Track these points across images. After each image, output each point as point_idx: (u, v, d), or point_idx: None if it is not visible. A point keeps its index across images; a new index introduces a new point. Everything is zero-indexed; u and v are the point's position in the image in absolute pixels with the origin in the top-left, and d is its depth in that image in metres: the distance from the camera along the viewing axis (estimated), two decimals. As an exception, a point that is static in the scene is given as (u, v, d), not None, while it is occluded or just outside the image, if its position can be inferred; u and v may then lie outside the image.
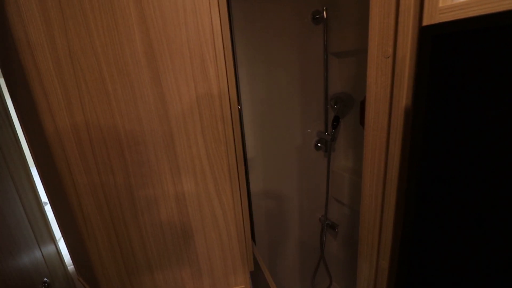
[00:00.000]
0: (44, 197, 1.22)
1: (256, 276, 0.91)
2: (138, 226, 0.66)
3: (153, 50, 0.56)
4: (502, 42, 0.28)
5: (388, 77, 0.39)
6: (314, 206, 1.34)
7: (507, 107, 0.29)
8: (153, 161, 0.63)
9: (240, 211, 0.72)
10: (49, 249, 0.83)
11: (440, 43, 0.34)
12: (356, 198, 1.22)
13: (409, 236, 0.40)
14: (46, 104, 0.55)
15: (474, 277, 0.35)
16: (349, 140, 1.26)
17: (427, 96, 0.35)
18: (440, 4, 0.33)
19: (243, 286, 0.80)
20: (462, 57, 0.32)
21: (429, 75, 0.35)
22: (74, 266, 0.84)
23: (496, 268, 0.33)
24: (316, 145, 1.23)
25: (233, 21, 0.95)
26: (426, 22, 0.35)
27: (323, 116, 1.22)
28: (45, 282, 0.76)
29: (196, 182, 0.67)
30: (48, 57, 0.52)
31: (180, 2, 0.54)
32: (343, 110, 1.20)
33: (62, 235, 0.75)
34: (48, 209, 1.14)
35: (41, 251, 0.78)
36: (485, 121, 0.31)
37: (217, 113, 0.92)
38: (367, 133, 0.43)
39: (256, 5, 0.98)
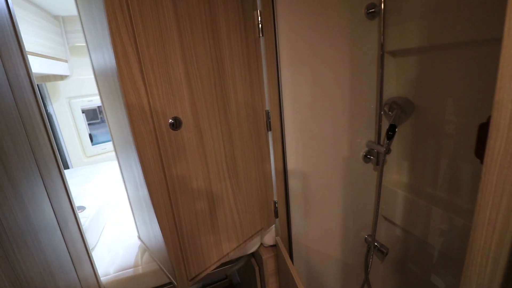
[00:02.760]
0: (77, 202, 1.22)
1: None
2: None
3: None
4: None
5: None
6: (360, 225, 1.19)
7: None
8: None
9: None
10: (84, 269, 0.80)
11: None
12: (410, 219, 1.06)
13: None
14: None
15: None
16: (405, 152, 1.10)
17: None
18: None
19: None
20: None
21: None
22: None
23: None
24: (365, 156, 1.09)
25: (277, 20, 0.85)
26: None
27: (376, 124, 1.07)
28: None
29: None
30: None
31: None
32: (400, 118, 1.04)
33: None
34: (82, 215, 1.13)
35: (77, 275, 0.75)
36: None
37: (259, 119, 0.82)
38: (489, 170, 0.30)
39: (302, 1, 0.87)
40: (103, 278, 0.91)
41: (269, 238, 1.08)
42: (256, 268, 1.17)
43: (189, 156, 0.71)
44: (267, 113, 0.89)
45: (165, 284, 0.98)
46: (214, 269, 1.08)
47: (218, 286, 1.63)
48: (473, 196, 0.87)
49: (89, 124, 2.77)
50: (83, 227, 1.03)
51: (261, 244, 1.12)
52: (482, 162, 0.32)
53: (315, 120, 0.97)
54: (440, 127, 0.93)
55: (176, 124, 0.66)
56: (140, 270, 0.94)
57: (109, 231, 1.22)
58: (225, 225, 0.84)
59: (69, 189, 0.78)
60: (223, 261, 0.90)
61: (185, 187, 0.72)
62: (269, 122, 0.90)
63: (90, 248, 1.04)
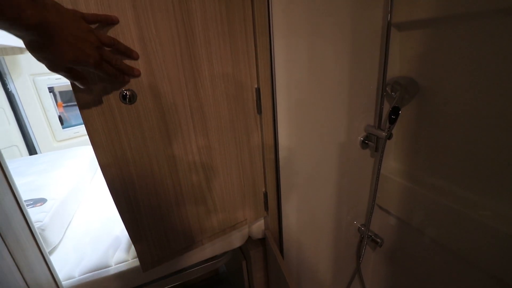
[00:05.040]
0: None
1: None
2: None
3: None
4: None
5: None
6: (353, 214, 1.12)
7: None
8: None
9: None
10: (37, 275, 0.67)
11: None
12: (407, 209, 0.99)
13: None
14: None
15: None
16: (404, 138, 1.01)
17: None
18: None
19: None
20: None
21: None
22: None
23: None
24: (363, 142, 0.99)
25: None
26: None
27: (376, 106, 0.97)
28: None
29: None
30: None
31: None
32: (402, 100, 0.94)
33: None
34: (41, 209, 0.98)
35: (25, 283, 0.62)
36: None
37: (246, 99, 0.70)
38: None
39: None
40: (65, 283, 0.78)
41: (258, 231, 0.99)
42: (243, 263, 1.08)
43: (147, 135, 0.62)
44: (257, 91, 0.76)
45: (139, 286, 0.87)
46: (199, 265, 0.98)
47: (204, 281, 1.55)
48: (480, 187, 0.80)
49: (66, 107, 2.52)
50: (42, 223, 0.89)
51: (249, 237, 1.02)
52: None
53: (311, 101, 0.85)
54: (446, 110, 0.84)
55: (129, 97, 0.57)
56: (110, 271, 0.82)
57: (76, 225, 1.09)
58: (196, 212, 0.76)
59: (13, 181, 0.63)
60: (198, 250, 0.86)
61: (143, 167, 0.64)
62: (259, 102, 0.77)
63: (52, 247, 0.91)
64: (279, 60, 0.76)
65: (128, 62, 0.56)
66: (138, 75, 0.56)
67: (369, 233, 1.12)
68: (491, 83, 0.71)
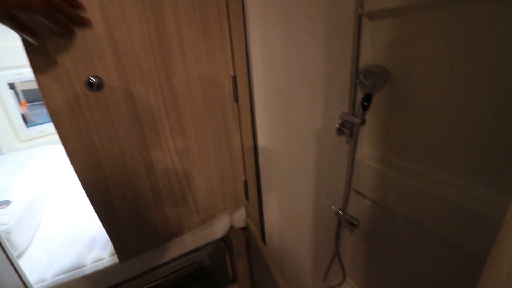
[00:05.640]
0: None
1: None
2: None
3: None
4: None
5: None
6: (331, 199, 1.16)
7: None
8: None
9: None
10: (5, 281, 0.63)
11: None
12: (380, 191, 1.05)
13: None
14: None
15: None
16: (377, 124, 1.06)
17: None
18: None
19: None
20: None
21: None
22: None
23: None
24: (338, 129, 1.02)
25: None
26: None
27: (350, 94, 1.00)
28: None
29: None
30: None
31: None
32: (374, 87, 0.98)
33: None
34: (5, 211, 0.91)
35: None
36: None
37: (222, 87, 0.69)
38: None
39: None
40: (37, 286, 0.74)
41: (239, 220, 0.99)
42: (226, 253, 1.09)
43: (117, 123, 0.60)
44: (234, 79, 0.75)
45: (118, 284, 0.84)
46: (181, 256, 0.97)
47: (187, 271, 1.54)
48: (445, 166, 0.86)
49: (30, 106, 2.33)
50: (7, 226, 0.83)
51: (231, 227, 1.03)
52: None
53: (288, 89, 0.86)
54: (414, 96, 0.89)
55: (96, 85, 0.54)
56: (86, 271, 0.79)
57: (47, 227, 1.02)
58: (173, 202, 0.75)
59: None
60: (178, 242, 0.86)
61: (115, 157, 0.62)
62: (236, 90, 0.76)
63: (21, 251, 0.86)
64: (255, 48, 0.75)
65: (92, 46, 0.53)
66: (89, 23, 0.51)
67: (346, 217, 1.17)
68: (458, 69, 0.76)
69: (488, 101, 0.71)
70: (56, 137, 0.54)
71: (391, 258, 1.11)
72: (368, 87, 0.94)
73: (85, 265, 0.81)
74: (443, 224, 0.84)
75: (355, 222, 1.16)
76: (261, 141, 0.86)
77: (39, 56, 0.49)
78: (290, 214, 1.05)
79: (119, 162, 0.63)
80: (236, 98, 0.77)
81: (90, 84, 0.54)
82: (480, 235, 0.75)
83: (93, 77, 0.54)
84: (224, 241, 1.11)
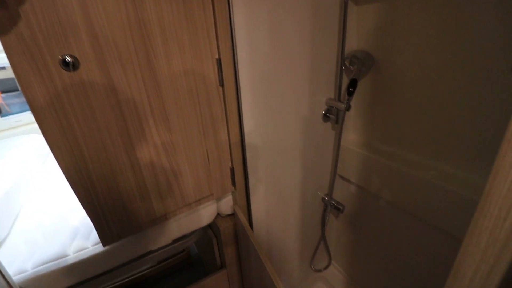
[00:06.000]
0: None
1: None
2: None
3: None
4: None
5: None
6: (317, 185, 1.18)
7: None
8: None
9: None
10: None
11: None
12: (364, 176, 1.07)
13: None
14: None
15: None
16: (362, 109, 1.07)
17: None
18: None
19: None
20: None
21: None
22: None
23: None
24: (324, 115, 1.03)
25: None
26: None
27: (336, 79, 1.00)
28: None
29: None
30: None
31: None
32: (360, 73, 0.98)
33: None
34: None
35: None
36: None
37: (206, 70, 0.68)
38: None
39: None
40: (17, 278, 0.72)
41: (226, 207, 0.99)
42: (214, 240, 1.09)
43: (95, 105, 0.58)
44: (218, 62, 0.73)
45: (102, 274, 0.83)
46: (169, 245, 0.96)
47: (175, 260, 1.54)
48: (427, 150, 0.89)
49: (5, 97, 2.20)
50: (-18, 217, 0.79)
51: (218, 214, 1.03)
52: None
53: (274, 74, 0.85)
54: (398, 82, 0.90)
55: (71, 64, 0.52)
56: (69, 261, 0.77)
57: (27, 217, 0.99)
58: (156, 186, 0.74)
59: None
60: (163, 227, 0.85)
61: (94, 140, 0.60)
62: (221, 74, 0.75)
63: (-3, 242, 0.82)
64: (240, 31, 0.73)
65: (65, 22, 0.50)
66: None
67: (332, 202, 1.19)
68: (442, 56, 0.77)
69: (470, 87, 0.73)
70: (34, 126, 0.51)
71: (375, 241, 1.15)
72: (353, 72, 0.94)
73: (68, 255, 0.79)
74: (426, 206, 0.87)
75: (341, 207, 1.19)
76: (248, 127, 0.86)
77: (11, 34, 0.45)
78: (277, 200, 1.06)
79: (98, 146, 0.61)
80: (221, 82, 0.75)
81: (65, 63, 0.51)
82: (461, 216, 0.78)
83: (68, 56, 0.51)
84: (212, 229, 1.11)
